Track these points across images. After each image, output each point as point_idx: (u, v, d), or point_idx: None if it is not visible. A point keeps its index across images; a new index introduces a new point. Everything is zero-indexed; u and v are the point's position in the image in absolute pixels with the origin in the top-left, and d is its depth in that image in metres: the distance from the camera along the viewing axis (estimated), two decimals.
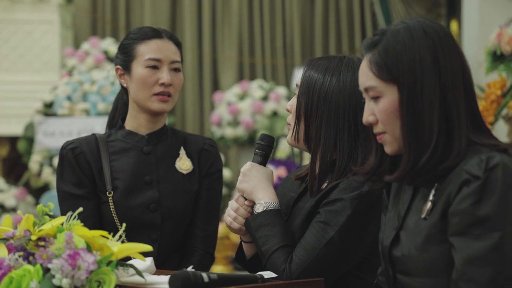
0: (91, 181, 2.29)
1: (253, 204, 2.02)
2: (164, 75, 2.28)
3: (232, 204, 2.05)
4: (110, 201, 2.27)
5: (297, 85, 2.02)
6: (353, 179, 1.87)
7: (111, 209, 2.27)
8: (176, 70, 2.32)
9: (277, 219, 1.96)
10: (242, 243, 2.12)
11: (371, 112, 1.65)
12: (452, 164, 1.58)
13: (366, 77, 1.65)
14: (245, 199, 2.03)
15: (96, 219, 2.28)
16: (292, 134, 2.02)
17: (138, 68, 2.29)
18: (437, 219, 1.58)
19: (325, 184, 1.97)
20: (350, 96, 1.95)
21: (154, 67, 2.29)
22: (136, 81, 2.30)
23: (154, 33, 2.32)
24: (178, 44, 2.36)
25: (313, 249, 1.88)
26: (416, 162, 1.60)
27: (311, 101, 1.97)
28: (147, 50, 2.29)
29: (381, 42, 1.63)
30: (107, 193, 2.28)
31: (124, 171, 2.29)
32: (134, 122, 2.34)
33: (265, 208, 1.97)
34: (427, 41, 1.60)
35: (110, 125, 2.43)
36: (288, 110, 2.06)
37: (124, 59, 2.33)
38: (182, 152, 2.36)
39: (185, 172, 2.34)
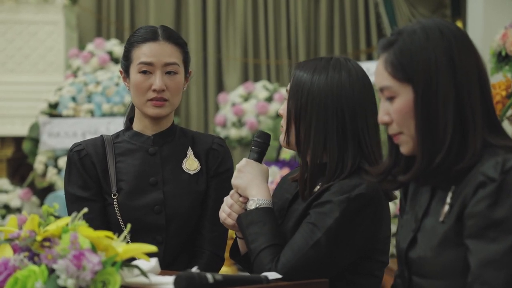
0: (96, 183, 2.29)
1: (247, 200, 2.02)
2: (156, 81, 2.23)
3: (227, 200, 2.05)
4: (115, 203, 2.26)
5: (286, 90, 2.03)
6: (366, 179, 1.86)
7: (116, 211, 2.26)
8: (172, 72, 2.26)
9: (268, 217, 1.96)
10: (237, 239, 2.12)
11: (386, 112, 1.64)
12: (467, 165, 1.57)
13: (381, 77, 1.64)
14: (240, 195, 2.03)
15: (102, 221, 2.27)
16: (284, 137, 2.02)
17: (133, 73, 2.27)
18: (453, 222, 1.57)
19: (318, 187, 1.97)
20: (337, 98, 1.94)
21: (147, 72, 2.24)
22: (132, 86, 2.28)
23: (150, 36, 2.26)
24: (179, 44, 2.30)
25: (299, 249, 1.87)
26: (430, 163, 1.59)
27: (299, 103, 1.97)
28: (139, 54, 2.25)
29: (397, 42, 1.63)
30: (112, 195, 2.27)
31: (129, 173, 2.28)
32: (140, 124, 2.33)
33: (257, 206, 1.97)
34: (443, 41, 1.59)
35: (129, 117, 2.42)
36: (280, 115, 2.06)
37: (124, 63, 2.31)
38: (190, 152, 2.33)
39: (192, 172, 2.31)
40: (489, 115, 1.61)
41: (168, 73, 2.26)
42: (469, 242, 1.53)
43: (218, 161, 2.34)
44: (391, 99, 1.63)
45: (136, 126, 2.34)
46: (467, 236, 1.54)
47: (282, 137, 2.04)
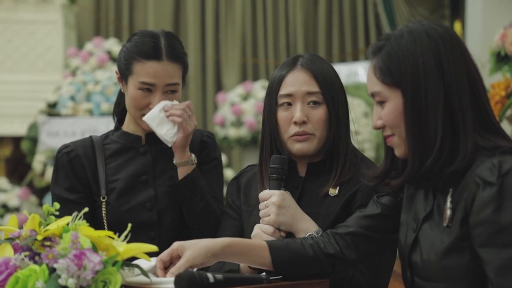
0: (85, 185, 2.26)
1: (286, 234, 1.97)
2: (156, 101, 2.20)
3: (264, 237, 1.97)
4: (103, 206, 2.24)
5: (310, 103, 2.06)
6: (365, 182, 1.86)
7: (103, 214, 2.24)
8: (172, 92, 2.23)
9: None
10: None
11: (378, 117, 1.66)
12: (460, 167, 1.57)
13: (371, 82, 1.66)
14: (280, 231, 1.97)
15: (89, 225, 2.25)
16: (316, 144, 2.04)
17: (132, 86, 2.23)
18: (456, 227, 1.57)
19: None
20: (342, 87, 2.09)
21: (147, 90, 2.21)
22: (129, 98, 2.25)
23: (153, 53, 2.20)
24: (182, 60, 2.26)
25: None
26: (421, 166, 1.60)
27: (334, 94, 2.04)
28: (142, 72, 2.20)
29: (384, 47, 1.64)
30: (101, 197, 2.25)
31: (120, 174, 2.26)
32: (132, 125, 2.32)
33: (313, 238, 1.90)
34: (430, 44, 1.60)
35: (117, 110, 2.39)
36: (304, 122, 2.03)
37: (123, 69, 2.26)
38: None
39: None
40: (481, 115, 1.61)
41: (169, 92, 2.23)
42: (481, 251, 1.52)
43: (207, 151, 2.34)
44: (381, 103, 1.65)
45: (127, 127, 2.32)
46: (477, 246, 1.53)
47: (313, 146, 2.06)
